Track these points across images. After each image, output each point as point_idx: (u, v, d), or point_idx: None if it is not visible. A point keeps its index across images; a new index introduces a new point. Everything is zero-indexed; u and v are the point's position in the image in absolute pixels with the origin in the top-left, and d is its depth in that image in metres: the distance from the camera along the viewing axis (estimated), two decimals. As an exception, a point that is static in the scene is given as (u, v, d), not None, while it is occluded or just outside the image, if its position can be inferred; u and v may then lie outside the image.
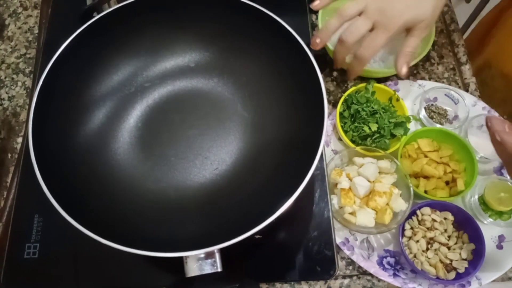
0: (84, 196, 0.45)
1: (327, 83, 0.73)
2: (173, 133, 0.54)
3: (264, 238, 0.54)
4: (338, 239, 0.61)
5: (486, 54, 0.84)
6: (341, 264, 0.62)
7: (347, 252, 0.61)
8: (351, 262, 0.62)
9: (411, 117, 0.65)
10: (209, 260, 0.40)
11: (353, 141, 0.64)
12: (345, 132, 0.65)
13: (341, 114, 0.66)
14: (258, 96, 0.55)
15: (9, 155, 0.68)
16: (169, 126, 0.55)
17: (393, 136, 0.64)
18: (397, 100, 0.67)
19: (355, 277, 0.62)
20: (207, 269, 0.40)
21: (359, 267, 0.61)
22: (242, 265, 0.54)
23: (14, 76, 0.74)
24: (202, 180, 0.52)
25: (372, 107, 0.65)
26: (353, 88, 0.66)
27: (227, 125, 0.55)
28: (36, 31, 0.77)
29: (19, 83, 0.74)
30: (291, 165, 0.48)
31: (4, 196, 0.64)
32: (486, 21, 0.92)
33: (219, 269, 0.40)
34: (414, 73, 0.74)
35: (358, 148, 0.63)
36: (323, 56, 0.75)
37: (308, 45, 0.52)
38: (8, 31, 0.78)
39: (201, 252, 0.39)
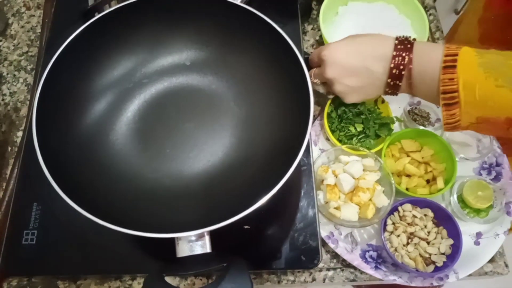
0: (83, 182, 0.48)
1: (317, 85, 0.76)
2: (169, 126, 0.57)
3: (253, 228, 0.57)
4: (323, 232, 0.64)
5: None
6: (325, 257, 0.65)
7: (332, 245, 0.64)
8: (335, 256, 0.65)
9: (395, 119, 0.69)
10: (200, 242, 0.43)
11: (339, 140, 0.67)
12: (333, 131, 0.68)
13: (329, 114, 0.69)
14: (250, 94, 0.59)
15: (9, 148, 0.71)
16: (166, 120, 0.58)
17: (377, 136, 0.68)
18: (382, 102, 0.70)
19: (338, 270, 0.65)
20: (198, 249, 0.43)
21: (343, 260, 0.64)
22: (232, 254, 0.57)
23: (16, 72, 0.77)
24: (195, 171, 0.55)
25: (358, 109, 0.68)
26: None
27: (221, 120, 0.58)
28: (38, 30, 0.81)
29: (21, 80, 0.76)
30: (278, 159, 0.51)
31: (3, 187, 0.66)
32: (452, 28, 0.99)
33: (208, 250, 0.43)
34: (399, 78, 0.78)
35: (344, 147, 0.66)
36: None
37: (298, 48, 0.55)
38: (11, 30, 0.81)
39: (192, 234, 0.42)
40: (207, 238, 0.44)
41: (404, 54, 0.55)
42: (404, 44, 0.56)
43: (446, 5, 1.55)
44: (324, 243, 0.64)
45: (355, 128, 0.66)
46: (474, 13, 0.86)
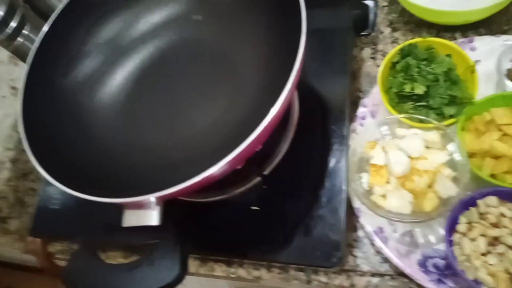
0: (51, 141, 0.46)
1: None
2: (162, 91, 0.52)
3: (262, 210, 0.47)
4: (369, 227, 0.50)
5: None
6: (375, 259, 0.51)
7: (379, 245, 0.49)
8: (387, 259, 0.50)
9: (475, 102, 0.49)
10: (146, 211, 0.36)
11: (391, 99, 0.52)
12: (389, 88, 0.52)
13: (394, 64, 0.53)
14: (257, 59, 0.49)
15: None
16: (158, 84, 0.53)
17: (441, 114, 0.50)
18: (472, 72, 0.51)
19: (387, 277, 0.49)
20: (144, 221, 0.36)
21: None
22: (237, 240, 0.48)
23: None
24: (176, 141, 0.48)
25: (432, 68, 0.51)
26: (420, 39, 0.53)
27: (218, 85, 0.49)
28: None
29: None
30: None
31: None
32: None
33: (156, 223, 0.36)
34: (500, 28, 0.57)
35: (401, 117, 0.50)
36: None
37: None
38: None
39: (137, 199, 0.35)
40: (157, 209, 0.36)
41: None
42: None
43: None
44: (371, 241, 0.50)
45: (413, 89, 0.49)
46: None
